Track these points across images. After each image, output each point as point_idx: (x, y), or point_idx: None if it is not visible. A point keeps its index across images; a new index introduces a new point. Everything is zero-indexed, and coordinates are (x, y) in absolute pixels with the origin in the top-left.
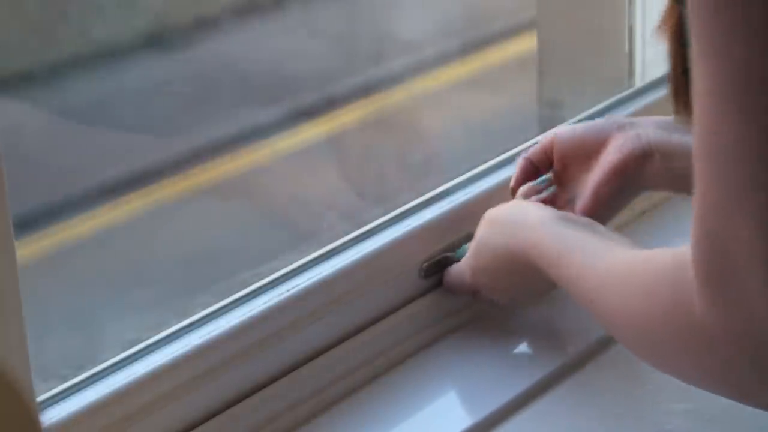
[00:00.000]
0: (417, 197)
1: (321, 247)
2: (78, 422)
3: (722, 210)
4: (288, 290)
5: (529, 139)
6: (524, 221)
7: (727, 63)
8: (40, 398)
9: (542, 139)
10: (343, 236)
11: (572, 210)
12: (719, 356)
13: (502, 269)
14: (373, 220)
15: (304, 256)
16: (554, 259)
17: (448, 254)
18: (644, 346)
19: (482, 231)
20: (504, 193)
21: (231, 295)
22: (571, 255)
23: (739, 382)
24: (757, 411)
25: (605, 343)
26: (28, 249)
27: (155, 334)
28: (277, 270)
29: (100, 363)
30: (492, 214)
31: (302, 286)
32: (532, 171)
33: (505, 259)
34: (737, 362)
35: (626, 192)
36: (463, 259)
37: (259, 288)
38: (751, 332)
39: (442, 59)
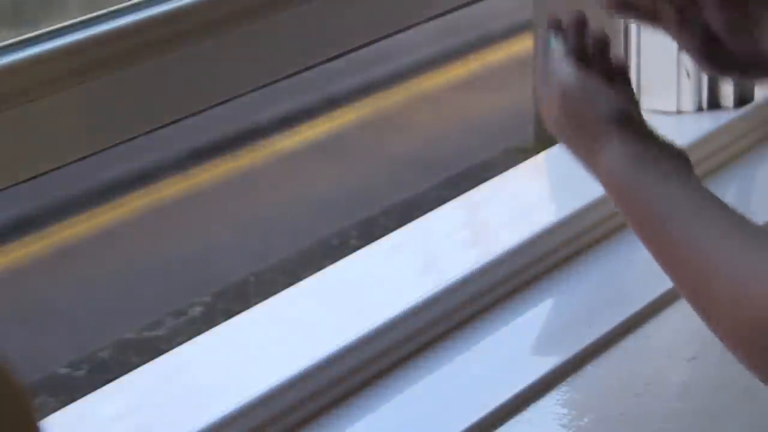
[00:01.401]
0: None
1: None
2: None
3: None
4: None
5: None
6: (593, 131)
7: None
8: None
9: None
10: None
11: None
12: None
13: (569, 144)
14: None
15: None
16: (635, 218)
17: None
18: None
19: (556, 98)
20: None
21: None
22: (663, 224)
23: None
24: (757, 412)
25: (605, 343)
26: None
27: None
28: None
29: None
30: (563, 88)
31: None
32: None
33: (574, 144)
34: None
35: None
36: (546, 97)
37: None
38: None
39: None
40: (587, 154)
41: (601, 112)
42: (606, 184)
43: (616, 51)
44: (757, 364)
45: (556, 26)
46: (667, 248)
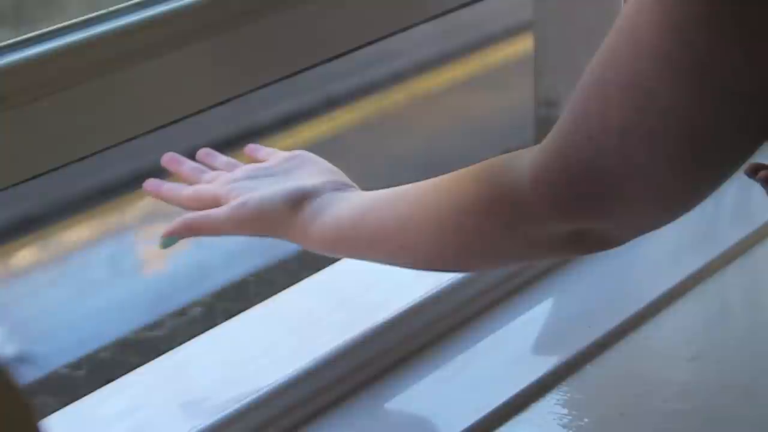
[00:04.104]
0: None
1: None
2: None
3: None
4: None
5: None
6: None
7: None
8: None
9: None
10: None
11: None
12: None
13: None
14: None
15: None
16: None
17: None
18: (467, 248)
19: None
20: None
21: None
22: (358, 225)
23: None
24: (757, 412)
25: (605, 343)
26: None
27: None
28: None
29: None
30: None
31: None
32: None
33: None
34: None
35: None
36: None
37: None
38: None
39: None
40: (285, 238)
41: (273, 212)
42: (311, 246)
43: None
44: (470, 255)
45: None
46: (369, 235)
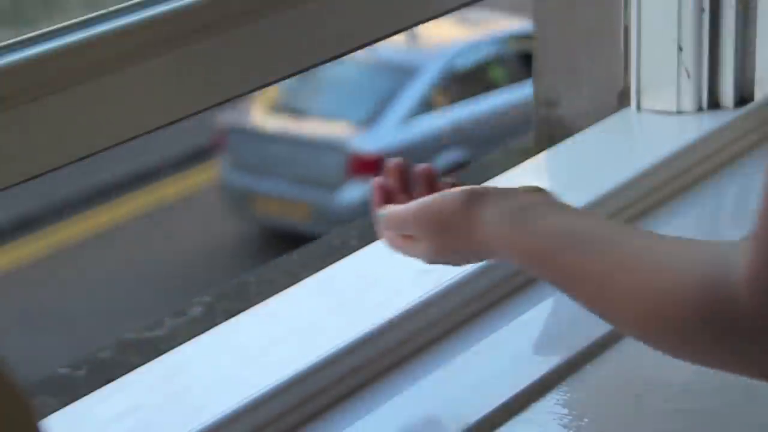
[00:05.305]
0: None
1: None
2: None
3: None
4: None
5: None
6: (457, 223)
7: None
8: None
9: None
10: None
11: None
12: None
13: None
14: None
15: None
16: (536, 260)
17: None
18: (666, 337)
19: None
20: None
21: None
22: (564, 251)
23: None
24: (757, 412)
25: (605, 343)
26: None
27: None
28: None
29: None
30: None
31: None
32: None
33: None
34: None
35: None
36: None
37: None
38: None
39: None
40: (466, 243)
41: (450, 205)
42: (497, 248)
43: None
44: (661, 347)
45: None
46: (571, 269)
